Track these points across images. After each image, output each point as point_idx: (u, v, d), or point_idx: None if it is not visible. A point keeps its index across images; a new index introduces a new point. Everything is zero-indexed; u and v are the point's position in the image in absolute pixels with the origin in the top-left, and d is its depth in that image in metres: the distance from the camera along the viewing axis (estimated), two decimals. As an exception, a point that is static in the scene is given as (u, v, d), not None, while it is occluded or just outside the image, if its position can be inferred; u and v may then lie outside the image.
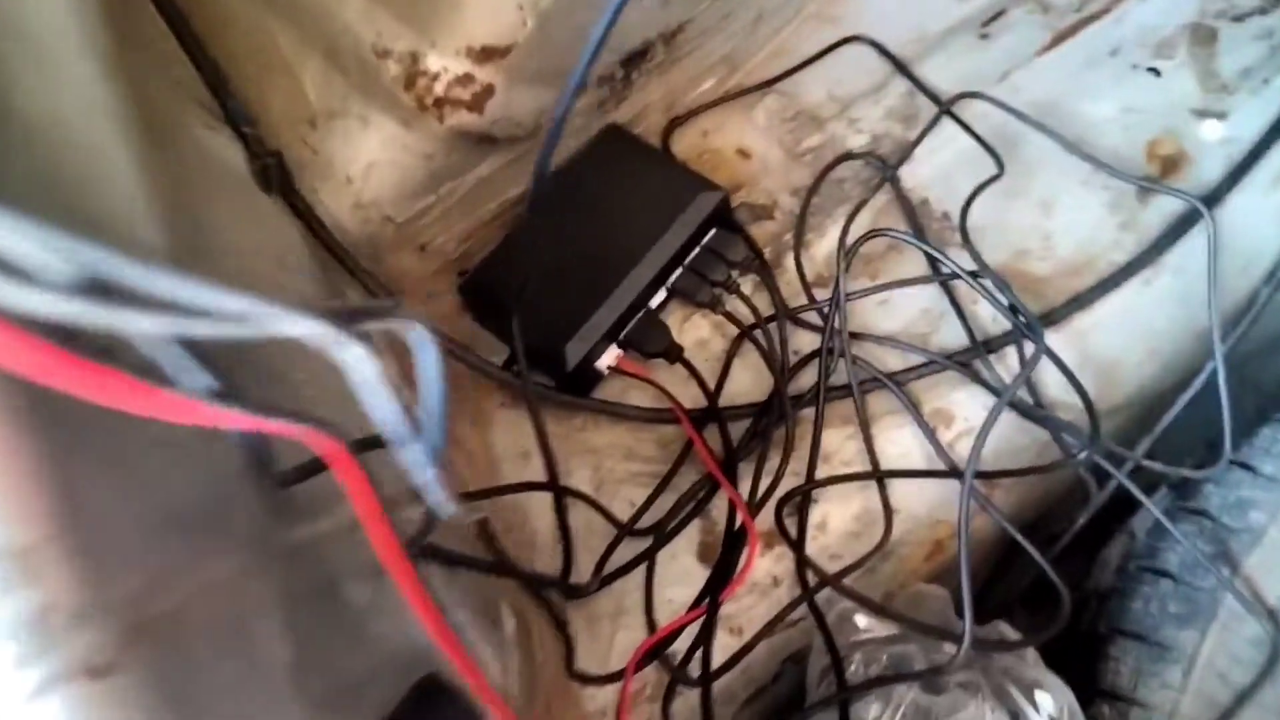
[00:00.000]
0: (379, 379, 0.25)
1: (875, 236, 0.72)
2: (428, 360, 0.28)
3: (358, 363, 0.24)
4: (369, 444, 0.31)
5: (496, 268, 0.75)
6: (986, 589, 0.83)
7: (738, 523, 0.67)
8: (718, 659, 0.67)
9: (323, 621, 0.36)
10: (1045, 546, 0.82)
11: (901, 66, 0.84)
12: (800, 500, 0.70)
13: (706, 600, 0.63)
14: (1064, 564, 0.81)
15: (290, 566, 0.36)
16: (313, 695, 0.31)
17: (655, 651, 0.62)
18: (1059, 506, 0.87)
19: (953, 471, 0.70)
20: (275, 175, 0.62)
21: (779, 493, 0.69)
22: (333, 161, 0.68)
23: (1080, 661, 0.73)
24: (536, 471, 0.72)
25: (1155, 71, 0.83)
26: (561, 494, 0.60)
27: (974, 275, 0.70)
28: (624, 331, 0.73)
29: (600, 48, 0.42)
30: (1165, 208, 0.77)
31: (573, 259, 0.73)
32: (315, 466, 0.34)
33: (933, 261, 0.74)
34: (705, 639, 0.61)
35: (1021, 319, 0.66)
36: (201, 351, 0.25)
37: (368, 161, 0.69)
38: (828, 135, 0.82)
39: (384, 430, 0.28)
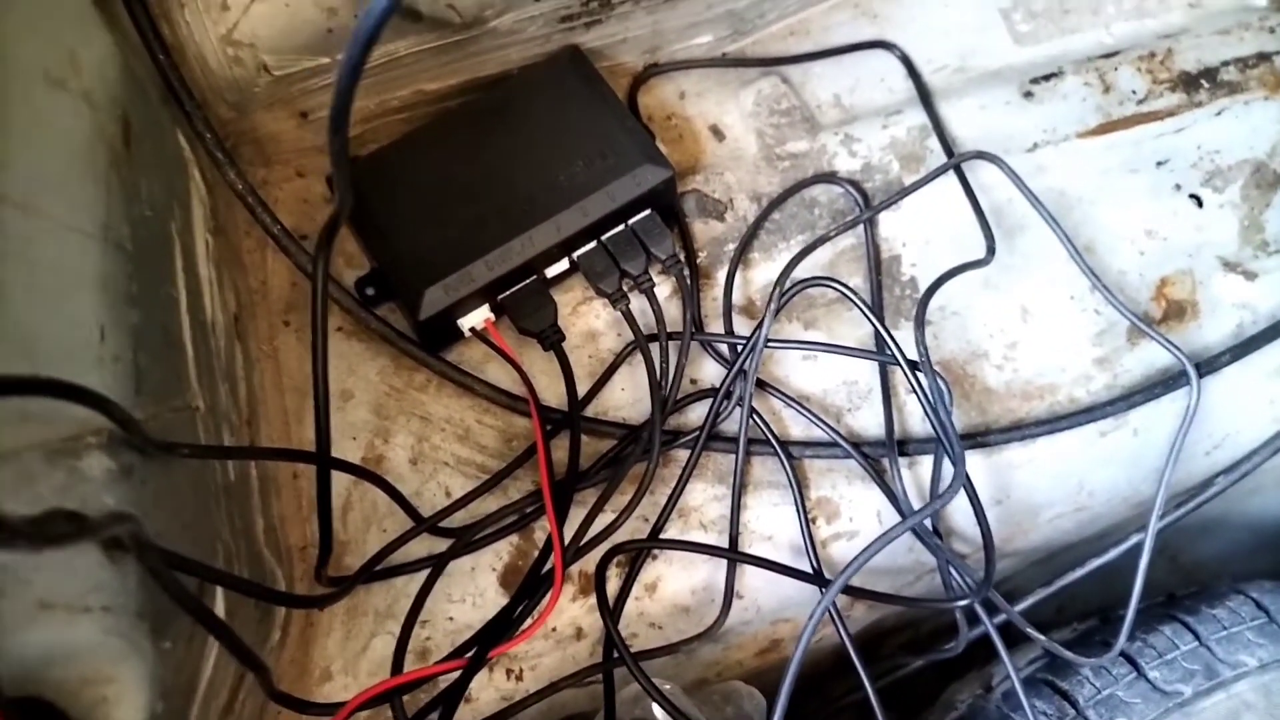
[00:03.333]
0: None
1: (822, 285, 0.60)
2: None
3: None
4: None
5: (383, 168, 0.61)
6: (809, 697, 0.73)
7: (552, 560, 0.56)
8: (488, 702, 0.57)
9: None
10: (891, 658, 0.73)
11: (925, 96, 0.71)
12: (634, 554, 0.59)
13: (473, 651, 0.52)
14: (908, 684, 0.73)
15: None
16: None
17: (393, 693, 0.50)
18: (920, 626, 0.78)
19: (817, 578, 0.59)
20: (113, -34, 0.48)
21: (615, 538, 0.58)
22: (210, -25, 0.54)
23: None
24: (354, 421, 0.60)
25: (1198, 200, 0.71)
26: (328, 469, 0.48)
27: (913, 366, 0.58)
28: (503, 294, 0.60)
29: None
30: (1153, 357, 0.67)
31: (474, 188, 0.60)
32: None
33: (878, 334, 0.62)
34: (451, 701, 0.49)
35: (948, 440, 0.55)
36: None
37: (255, -10, 0.55)
38: (817, 145, 0.70)
39: None
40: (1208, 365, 0.66)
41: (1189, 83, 0.74)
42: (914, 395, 0.60)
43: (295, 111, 0.62)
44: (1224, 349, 0.67)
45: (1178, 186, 0.72)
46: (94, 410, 0.34)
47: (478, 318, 0.60)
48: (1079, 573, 0.67)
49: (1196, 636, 0.67)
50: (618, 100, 0.64)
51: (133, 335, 0.41)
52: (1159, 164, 0.72)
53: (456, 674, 0.51)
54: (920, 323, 0.59)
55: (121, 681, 0.36)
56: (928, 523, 0.62)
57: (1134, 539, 0.65)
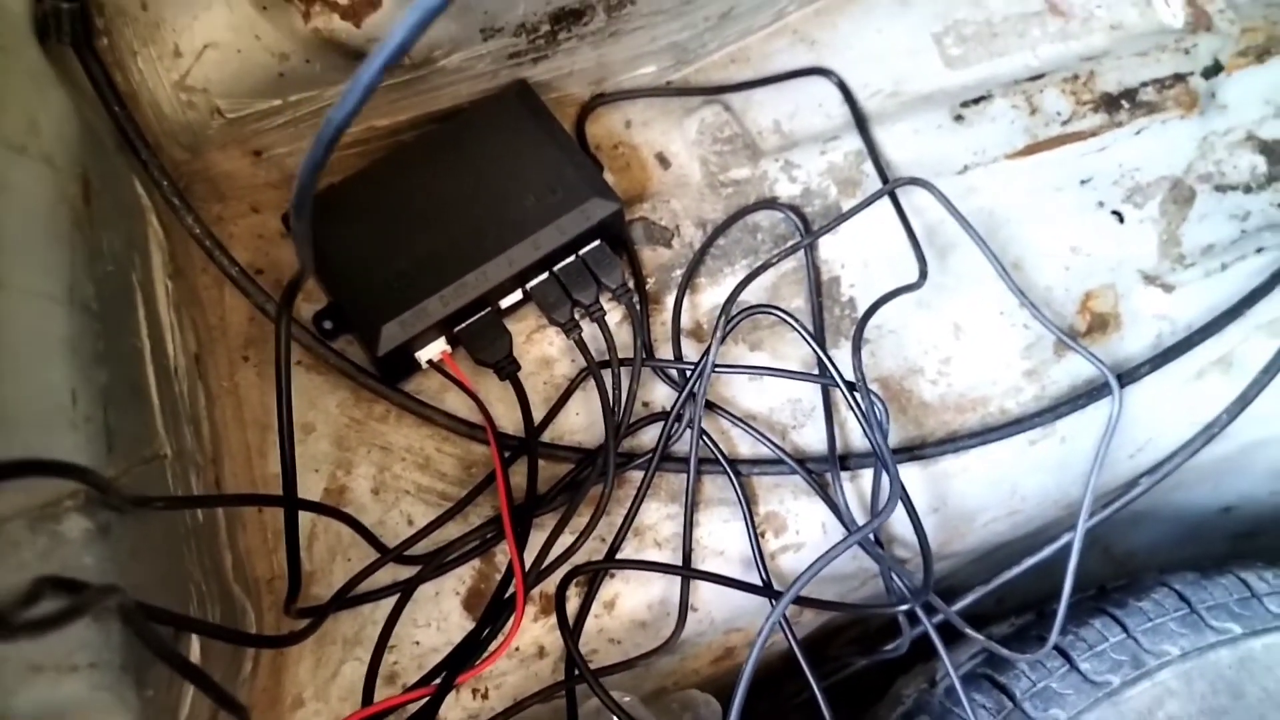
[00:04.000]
0: None
1: (765, 312, 0.62)
2: None
3: None
4: None
5: (336, 205, 0.63)
6: (760, 699, 0.77)
7: (514, 585, 0.58)
8: (454, 719, 0.59)
9: None
10: (839, 658, 0.77)
11: (861, 122, 0.74)
12: (592, 575, 0.62)
13: (441, 678, 0.54)
14: (857, 680, 0.77)
15: None
16: None
17: None
18: (867, 624, 0.82)
19: (768, 590, 0.62)
20: (67, 22, 0.49)
21: (574, 560, 0.61)
22: (163, 25, 0.55)
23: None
24: (315, 453, 0.62)
25: (1119, 217, 0.75)
26: (296, 510, 0.50)
27: (850, 387, 0.62)
28: (459, 326, 0.62)
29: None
30: (1078, 368, 0.71)
31: (427, 224, 0.62)
32: None
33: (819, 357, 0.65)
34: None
35: (884, 459, 0.58)
36: None
37: (207, 39, 0.56)
38: (758, 172, 0.73)
39: None
40: (1129, 375, 0.70)
41: (1110, 103, 0.78)
42: (854, 412, 0.64)
43: (248, 150, 0.63)
44: (1144, 359, 0.71)
45: (1100, 204, 0.75)
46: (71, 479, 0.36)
47: (434, 350, 0.62)
48: (1014, 571, 0.71)
49: (1124, 628, 0.71)
50: (565, 133, 0.66)
51: (102, 394, 0.43)
52: (1083, 182, 0.76)
53: (423, 701, 0.53)
54: (857, 347, 0.62)
55: (109, 732, 0.38)
56: (870, 534, 0.65)
57: (1064, 538, 0.69)
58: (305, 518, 0.60)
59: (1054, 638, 0.68)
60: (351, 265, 0.61)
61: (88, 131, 0.50)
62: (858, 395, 0.61)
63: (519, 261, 0.62)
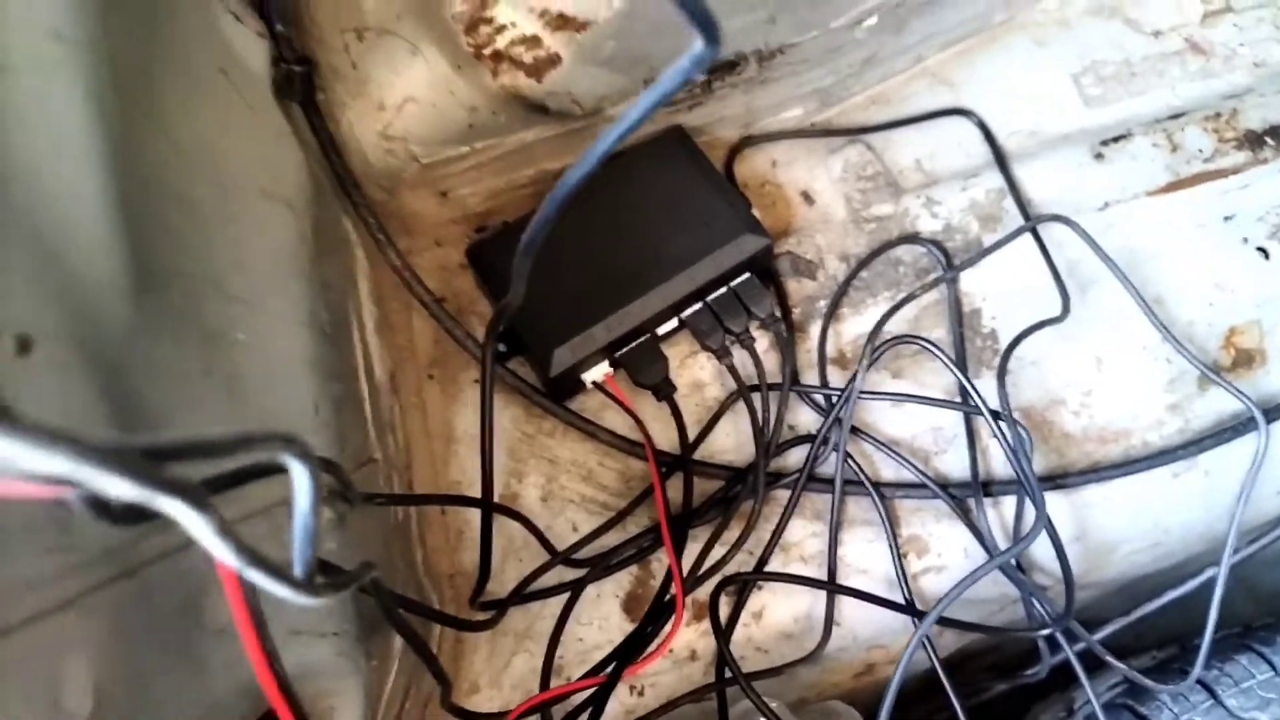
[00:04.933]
0: (215, 539, 0.20)
1: (910, 342, 0.66)
2: (300, 491, 0.23)
3: (181, 519, 0.19)
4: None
5: (512, 238, 0.69)
6: (899, 716, 0.79)
7: (671, 590, 0.63)
8: (613, 715, 0.64)
9: (161, 652, 0.32)
10: (977, 682, 0.78)
11: (1002, 160, 0.77)
12: (742, 585, 0.66)
13: (610, 668, 0.59)
14: (992, 705, 0.78)
15: (140, 586, 0.31)
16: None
17: (544, 706, 0.58)
18: (1004, 650, 0.83)
19: (910, 609, 0.65)
20: (299, 83, 0.56)
21: (725, 570, 0.65)
22: (370, 82, 0.62)
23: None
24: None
25: (1264, 253, 0.76)
26: (491, 512, 0.56)
27: (995, 416, 0.64)
28: (621, 351, 0.67)
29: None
30: (1222, 403, 0.71)
31: (593, 257, 0.68)
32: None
33: (962, 386, 0.68)
34: (597, 710, 0.57)
35: (1029, 485, 0.61)
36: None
37: (407, 94, 0.63)
38: (900, 208, 0.76)
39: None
40: (1276, 411, 0.70)
41: (1254, 140, 0.78)
42: (996, 440, 0.66)
43: (436, 191, 0.70)
44: (1292, 396, 0.71)
45: (1245, 240, 0.76)
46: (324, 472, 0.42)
47: (598, 372, 0.67)
48: (1157, 603, 0.72)
49: (1272, 666, 0.71)
50: (718, 173, 0.71)
51: (335, 405, 0.49)
52: (1226, 219, 0.76)
53: (592, 690, 0.58)
54: (1001, 377, 0.65)
55: (345, 694, 0.43)
56: (1012, 559, 0.67)
57: (1208, 573, 0.69)
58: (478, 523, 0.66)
59: (1198, 670, 0.69)
60: (527, 295, 0.67)
61: (313, 177, 0.57)
62: (1002, 424, 0.64)
63: (676, 292, 0.67)
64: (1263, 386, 0.72)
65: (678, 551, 0.62)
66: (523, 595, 0.63)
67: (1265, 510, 0.71)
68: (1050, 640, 0.68)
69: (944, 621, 0.65)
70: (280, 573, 0.23)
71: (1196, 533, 0.72)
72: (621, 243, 0.68)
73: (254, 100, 0.51)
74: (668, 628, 0.61)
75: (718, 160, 0.77)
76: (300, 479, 0.24)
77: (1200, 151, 0.78)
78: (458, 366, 0.70)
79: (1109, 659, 0.67)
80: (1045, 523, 0.58)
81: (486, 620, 0.57)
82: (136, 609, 0.31)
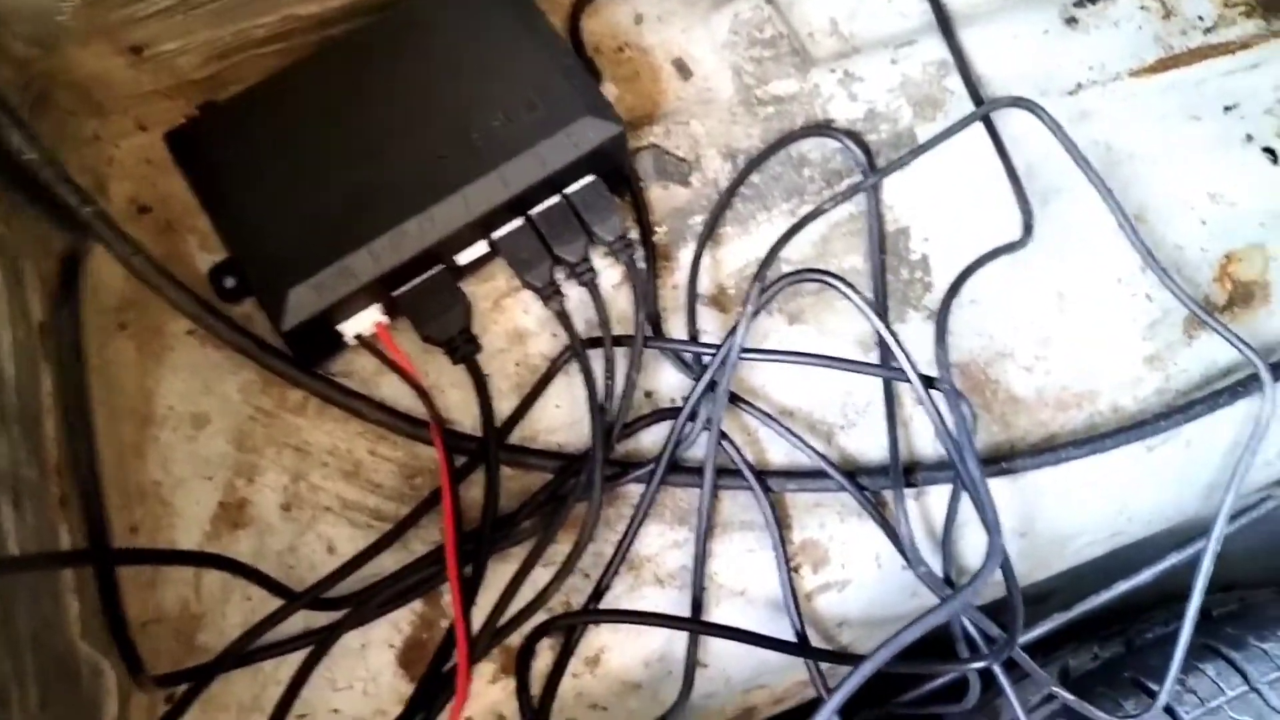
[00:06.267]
0: None
1: (814, 279, 0.46)
2: None
3: None
4: None
5: (241, 122, 0.47)
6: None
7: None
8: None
9: None
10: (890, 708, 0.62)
11: (946, 22, 0.57)
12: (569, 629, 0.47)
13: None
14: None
15: None
16: None
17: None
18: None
19: (804, 648, 0.47)
20: None
21: (551, 603, 0.46)
22: None
23: None
24: (209, 455, 0.47)
25: (1273, 155, 0.58)
26: (109, 566, 0.35)
27: (928, 383, 0.46)
28: (400, 289, 0.46)
29: None
30: (1213, 353, 0.54)
31: (359, 150, 0.46)
32: None
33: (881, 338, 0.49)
34: None
35: (977, 491, 0.42)
36: None
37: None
38: (808, 85, 0.55)
39: None
40: (1281, 364, 0.53)
41: (1269, 6, 0.59)
42: (923, 408, 0.47)
43: (123, 46, 0.47)
44: (1302, 346, 0.54)
45: (1249, 137, 0.58)
46: None
47: (365, 321, 0.46)
48: (1106, 596, 0.56)
49: (1245, 678, 0.58)
50: (552, 29, 0.49)
51: None
52: (1227, 109, 0.59)
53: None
54: (942, 332, 0.46)
55: None
56: (937, 568, 0.50)
57: (1173, 558, 0.54)
58: (193, 535, 0.45)
59: (1164, 696, 0.54)
60: (256, 206, 0.45)
61: None
62: (937, 395, 0.45)
63: (480, 202, 0.45)
64: (1265, 331, 0.56)
65: (471, 587, 0.43)
66: (251, 652, 0.43)
67: (1253, 478, 0.55)
68: (986, 672, 0.52)
69: (844, 659, 0.48)
70: None
71: (1165, 516, 0.57)
72: (403, 130, 0.46)
73: None
74: (451, 705, 0.42)
75: (559, 12, 0.55)
76: None
77: (1200, 19, 0.60)
78: (162, 314, 0.48)
79: (1063, 694, 0.52)
80: (1001, 556, 0.41)
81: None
82: None
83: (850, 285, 0.45)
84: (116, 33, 0.46)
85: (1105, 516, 0.55)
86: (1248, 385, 0.53)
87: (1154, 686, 0.55)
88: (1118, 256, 0.54)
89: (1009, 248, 0.50)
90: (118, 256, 0.43)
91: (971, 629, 0.51)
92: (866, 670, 0.39)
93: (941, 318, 0.47)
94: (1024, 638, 0.54)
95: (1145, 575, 0.55)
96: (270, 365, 0.46)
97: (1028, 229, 0.51)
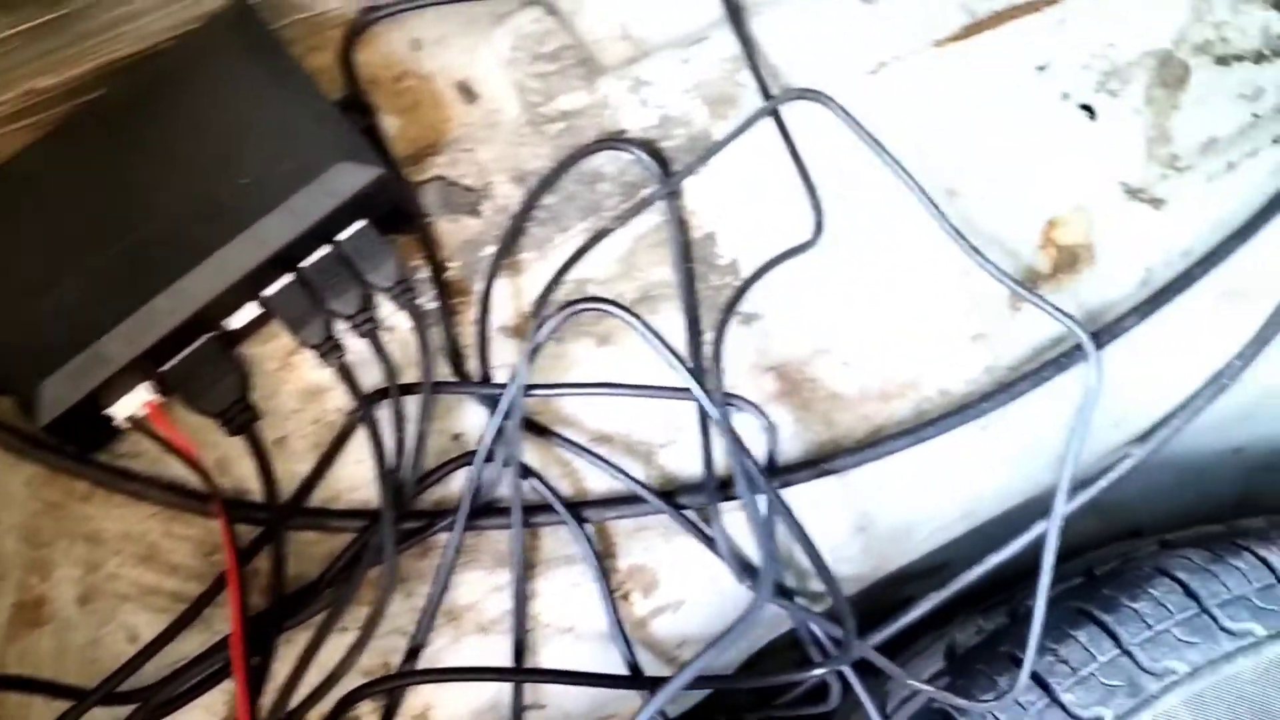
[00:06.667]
0: None
1: (589, 309, 0.44)
2: None
3: None
4: None
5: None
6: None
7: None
8: None
9: None
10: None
11: (736, 12, 0.55)
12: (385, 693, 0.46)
13: None
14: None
15: None
16: None
17: None
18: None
19: (636, 679, 0.46)
20: None
21: (360, 673, 0.45)
22: None
23: None
24: (2, 552, 0.45)
25: (1090, 111, 0.57)
26: None
27: (726, 400, 0.44)
28: (167, 364, 0.44)
29: None
30: (1041, 324, 0.53)
31: (107, 224, 0.44)
32: None
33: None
34: None
35: (763, 481, 0.41)
36: None
37: None
38: (597, 97, 0.54)
39: None
40: (1110, 330, 0.53)
41: (1070, -41, 0.58)
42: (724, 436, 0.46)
43: None
44: (1129, 307, 0.53)
45: (1064, 95, 0.57)
46: None
47: (135, 402, 0.44)
48: (972, 574, 0.55)
49: (1116, 641, 0.57)
50: (302, 73, 0.47)
51: None
52: (1039, 69, 0.57)
53: None
54: (718, 353, 0.45)
55: None
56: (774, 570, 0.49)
57: (1035, 530, 0.53)
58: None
59: (1025, 671, 0.53)
60: (1, 297, 0.43)
61: None
62: (731, 410, 0.44)
63: (236, 265, 0.44)
64: (1092, 296, 0.55)
65: (259, 667, 0.41)
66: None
67: (1105, 442, 0.55)
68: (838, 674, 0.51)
69: (694, 684, 0.47)
70: None
71: (1017, 490, 0.56)
72: (155, 202, 0.44)
73: None
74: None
75: (330, 47, 0.53)
76: None
77: (1006, -20, 0.58)
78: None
79: (920, 686, 0.52)
80: (769, 588, 0.39)
81: None
82: None
83: (627, 309, 0.44)
84: None
85: (950, 501, 0.54)
86: (1072, 356, 0.52)
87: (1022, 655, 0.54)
88: (933, 239, 0.53)
89: (798, 249, 0.48)
90: None
91: (820, 634, 0.50)
92: (685, 677, 0.38)
93: (718, 337, 0.45)
94: (882, 634, 0.53)
95: (1006, 553, 0.55)
96: (44, 460, 0.44)
97: (819, 227, 0.50)
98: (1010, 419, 0.53)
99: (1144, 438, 0.54)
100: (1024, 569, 0.58)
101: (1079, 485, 0.53)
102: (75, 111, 0.49)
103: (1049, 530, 0.52)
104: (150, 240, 0.44)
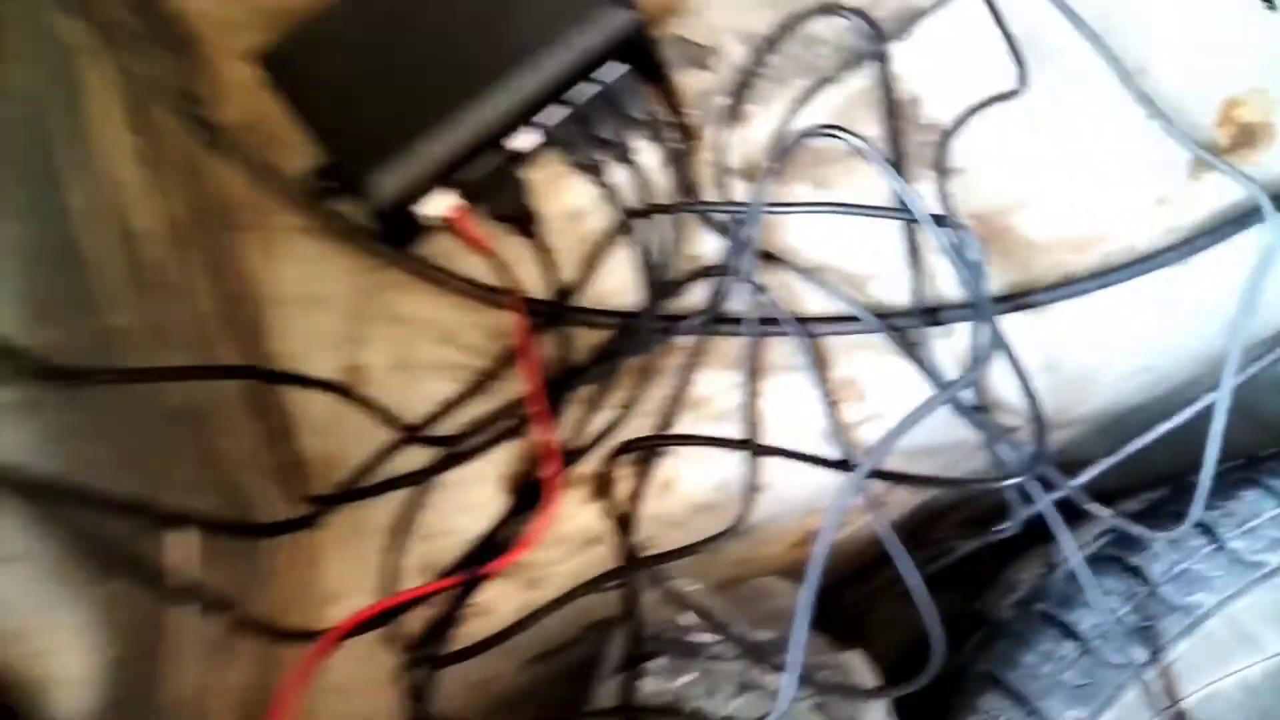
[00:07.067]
0: None
1: (825, 135, 0.52)
2: None
3: None
4: None
5: (321, 40, 0.55)
6: (853, 587, 0.68)
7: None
8: (507, 609, 0.53)
9: None
10: (943, 540, 0.67)
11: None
12: (645, 453, 0.54)
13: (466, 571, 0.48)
14: (967, 564, 0.67)
15: None
16: None
17: (387, 616, 0.46)
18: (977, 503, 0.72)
19: (844, 465, 0.53)
20: None
21: (618, 436, 0.53)
22: None
23: (945, 689, 0.60)
24: (325, 330, 0.55)
25: (1270, 3, 0.61)
26: (268, 382, 0.43)
27: (938, 221, 0.51)
28: (464, 174, 0.54)
29: None
30: (1221, 193, 0.58)
31: (416, 52, 0.53)
32: None
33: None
34: (442, 626, 0.45)
35: (979, 296, 0.48)
36: None
37: None
38: (818, -28, 0.61)
39: None
40: (1284, 194, 0.57)
41: None
42: (941, 247, 0.53)
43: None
44: (1307, 173, 0.58)
45: (1246, -11, 0.61)
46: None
47: (441, 204, 0.53)
48: (1146, 439, 0.60)
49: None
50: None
51: (16, 253, 0.36)
52: (1226, -42, 0.62)
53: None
54: (940, 168, 0.51)
55: (58, 633, 0.32)
56: (969, 395, 0.56)
57: (1206, 399, 0.57)
58: (326, 399, 0.53)
59: (1197, 511, 0.57)
60: (341, 110, 0.53)
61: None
62: (943, 227, 0.51)
63: (519, 90, 0.53)
64: (1270, 169, 0.59)
65: (555, 408, 0.50)
66: (373, 486, 0.52)
67: (1273, 318, 0.59)
68: (1021, 491, 0.57)
69: (886, 476, 0.54)
70: None
71: (1192, 353, 0.60)
72: (449, 30, 0.53)
73: None
74: (540, 515, 0.49)
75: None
76: None
77: None
78: (274, 212, 0.56)
79: (1089, 506, 0.57)
80: (999, 342, 0.46)
81: (288, 522, 0.45)
82: None
83: (855, 134, 0.51)
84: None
85: (1129, 352, 0.59)
86: (1251, 217, 0.57)
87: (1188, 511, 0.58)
88: (1120, 109, 0.58)
89: (1003, 96, 0.55)
90: (245, 165, 0.51)
91: (1008, 453, 0.56)
92: (876, 456, 0.45)
93: (939, 156, 0.52)
94: (1075, 481, 0.58)
95: (1183, 417, 0.58)
96: (369, 248, 0.54)
97: (1022, 79, 0.56)
98: (1189, 276, 0.58)
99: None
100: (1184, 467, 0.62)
101: (1253, 358, 0.58)
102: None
103: (1222, 378, 0.56)
104: (451, 67, 0.53)
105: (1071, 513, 0.57)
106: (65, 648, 0.33)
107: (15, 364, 0.33)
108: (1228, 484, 0.60)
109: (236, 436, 0.50)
